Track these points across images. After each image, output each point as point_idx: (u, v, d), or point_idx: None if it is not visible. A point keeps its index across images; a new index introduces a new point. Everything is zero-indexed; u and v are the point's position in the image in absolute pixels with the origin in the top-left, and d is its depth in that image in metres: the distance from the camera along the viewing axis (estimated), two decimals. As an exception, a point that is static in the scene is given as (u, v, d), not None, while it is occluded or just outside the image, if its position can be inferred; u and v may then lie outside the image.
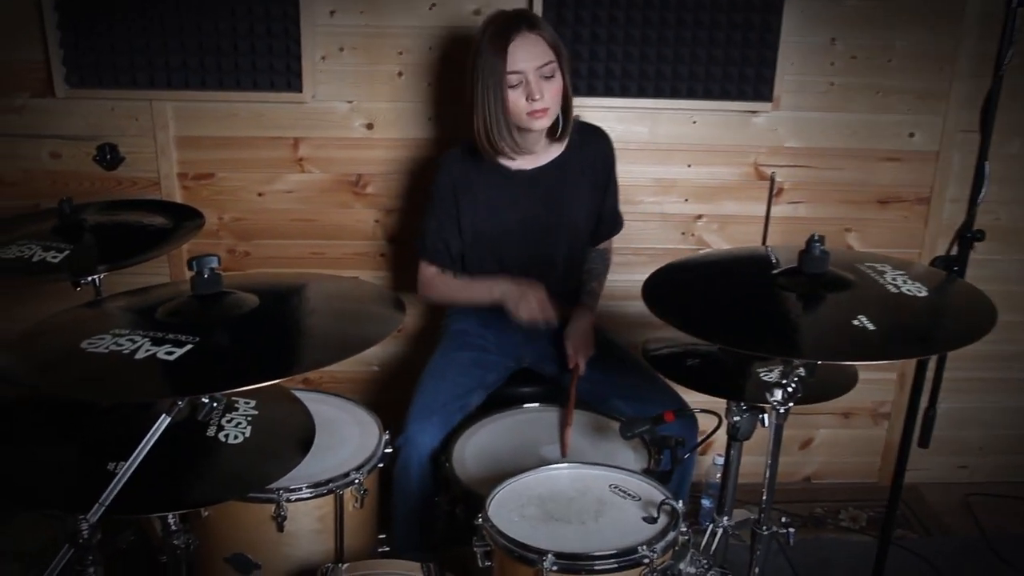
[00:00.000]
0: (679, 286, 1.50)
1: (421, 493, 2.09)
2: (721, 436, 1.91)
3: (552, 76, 2.11)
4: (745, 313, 1.37)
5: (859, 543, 2.77)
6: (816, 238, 1.36)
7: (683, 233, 2.79)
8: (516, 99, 2.10)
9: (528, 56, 2.07)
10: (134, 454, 1.29)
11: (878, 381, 2.98)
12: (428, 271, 2.34)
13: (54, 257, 1.82)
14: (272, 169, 2.68)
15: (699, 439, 2.00)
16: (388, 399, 2.78)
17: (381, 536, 2.05)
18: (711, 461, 2.78)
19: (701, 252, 1.58)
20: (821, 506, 2.97)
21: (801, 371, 1.42)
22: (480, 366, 2.29)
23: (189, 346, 1.18)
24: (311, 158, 2.67)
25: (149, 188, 2.67)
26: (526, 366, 2.38)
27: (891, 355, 1.32)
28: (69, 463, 1.51)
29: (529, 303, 2.20)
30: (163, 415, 1.30)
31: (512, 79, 2.08)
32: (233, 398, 1.68)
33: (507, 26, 2.08)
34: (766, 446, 1.61)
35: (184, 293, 1.36)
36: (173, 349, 1.17)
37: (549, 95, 2.11)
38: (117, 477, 1.28)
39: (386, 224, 2.74)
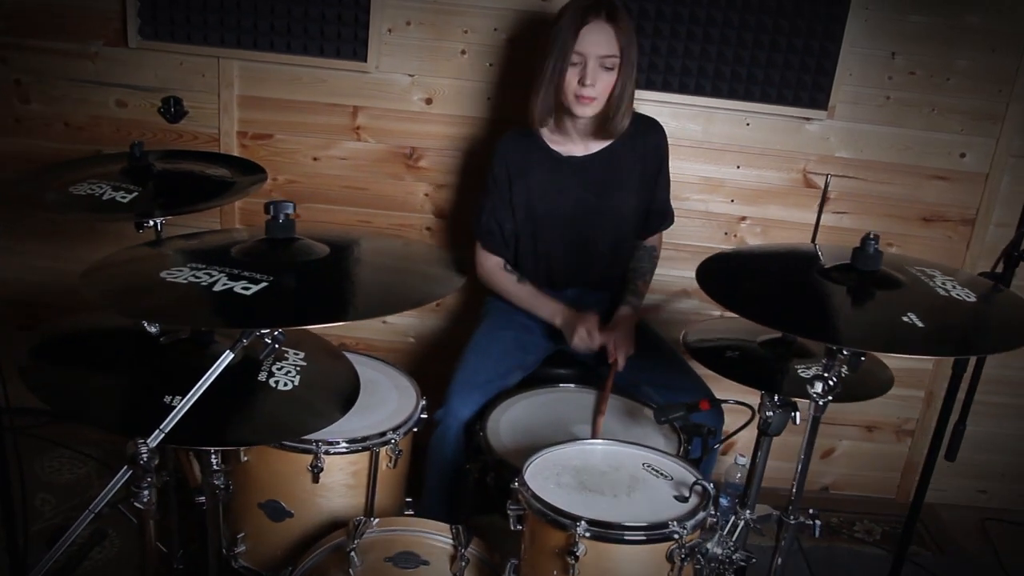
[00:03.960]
0: (732, 272, 1.54)
1: (455, 463, 2.14)
2: (744, 437, 1.94)
3: (611, 69, 2.16)
4: (797, 301, 1.41)
5: (872, 555, 2.80)
6: (872, 236, 1.40)
7: (726, 233, 2.82)
8: (571, 78, 2.15)
9: (595, 42, 2.12)
10: (196, 387, 1.34)
11: (905, 398, 2.99)
12: (491, 260, 2.40)
13: (123, 197, 1.88)
14: (329, 135, 2.74)
15: (730, 432, 2.03)
16: (422, 370, 2.82)
17: (408, 500, 2.10)
18: (732, 460, 2.81)
19: (753, 244, 1.62)
20: (837, 516, 2.99)
21: (844, 368, 1.46)
22: (521, 347, 2.35)
23: (264, 284, 1.24)
24: (368, 127, 2.73)
25: (209, 144, 2.74)
26: (563, 348, 2.42)
27: (939, 352, 1.35)
28: (127, 392, 1.57)
29: (582, 336, 2.28)
30: (227, 351, 1.36)
31: (574, 58, 2.13)
32: (283, 349, 1.74)
33: (588, 9, 2.12)
34: (790, 451, 1.64)
35: (256, 237, 1.41)
36: (249, 285, 1.23)
37: (601, 86, 2.16)
38: (178, 407, 1.33)
39: (435, 199, 2.80)
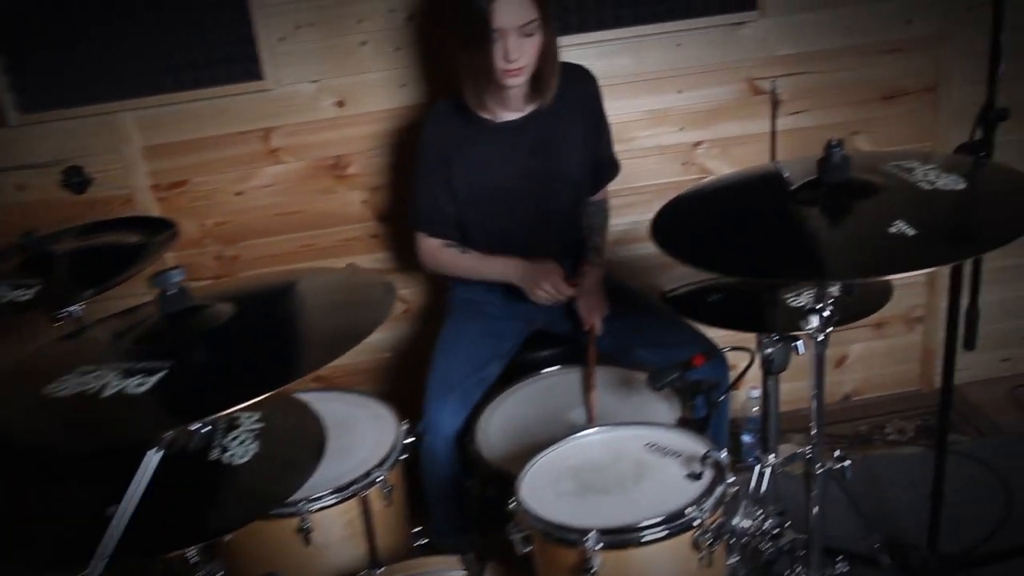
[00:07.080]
0: (690, 220, 1.36)
1: (452, 476, 2.02)
2: (754, 371, 1.81)
3: (532, 34, 2.00)
4: (766, 238, 1.24)
5: (910, 455, 2.67)
6: (834, 143, 1.23)
7: (683, 163, 2.66)
8: (495, 57, 2.00)
9: (510, 13, 1.95)
10: (126, 498, 1.18)
11: (908, 285, 2.86)
12: (430, 243, 2.26)
13: (23, 295, 1.72)
14: (246, 165, 2.57)
15: (732, 379, 1.89)
16: (407, 386, 2.69)
17: (417, 529, 1.96)
18: (746, 395, 2.67)
19: (707, 179, 1.46)
20: (865, 423, 2.87)
21: (835, 292, 1.30)
22: (493, 335, 2.20)
23: (161, 372, 1.06)
24: (285, 147, 2.56)
25: (123, 206, 2.57)
26: (539, 328, 2.29)
27: (940, 260, 1.17)
28: (73, 512, 1.41)
29: (545, 287, 2.14)
30: (150, 451, 1.19)
31: (493, 36, 1.97)
32: (234, 415, 1.58)
33: None
34: (802, 369, 1.52)
35: (152, 315, 1.24)
36: (144, 379, 1.05)
37: (526, 55, 2.01)
38: (111, 525, 1.18)
39: (374, 203, 2.63)
